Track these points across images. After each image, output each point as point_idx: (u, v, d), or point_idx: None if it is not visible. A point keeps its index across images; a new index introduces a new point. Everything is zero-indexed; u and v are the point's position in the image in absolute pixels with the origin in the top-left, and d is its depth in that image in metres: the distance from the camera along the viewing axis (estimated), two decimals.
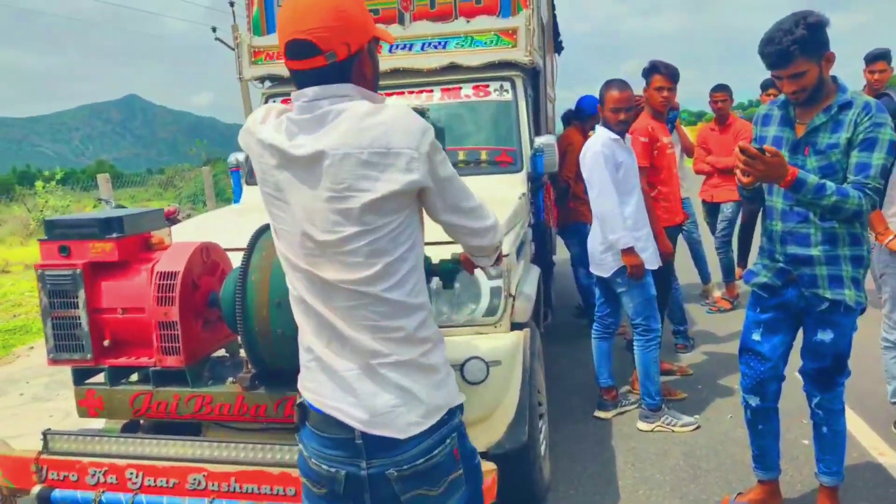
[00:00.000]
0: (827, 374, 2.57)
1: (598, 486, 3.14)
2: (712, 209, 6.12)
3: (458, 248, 1.80)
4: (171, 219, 12.46)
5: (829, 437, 2.62)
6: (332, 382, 1.45)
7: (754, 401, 2.71)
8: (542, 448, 2.97)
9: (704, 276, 6.13)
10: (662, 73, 4.01)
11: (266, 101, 4.16)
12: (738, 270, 5.92)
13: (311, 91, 1.42)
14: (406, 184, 1.37)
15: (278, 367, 2.11)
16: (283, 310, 1.99)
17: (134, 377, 2.41)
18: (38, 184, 21.86)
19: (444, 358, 1.53)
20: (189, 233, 2.91)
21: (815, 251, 2.46)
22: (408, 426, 1.42)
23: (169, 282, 2.17)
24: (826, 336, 2.50)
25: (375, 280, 1.40)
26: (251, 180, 4.02)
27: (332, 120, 1.39)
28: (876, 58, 4.62)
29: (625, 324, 4.33)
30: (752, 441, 2.81)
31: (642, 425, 3.72)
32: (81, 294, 2.21)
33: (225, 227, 3.18)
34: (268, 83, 4.25)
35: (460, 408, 1.56)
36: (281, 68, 4.06)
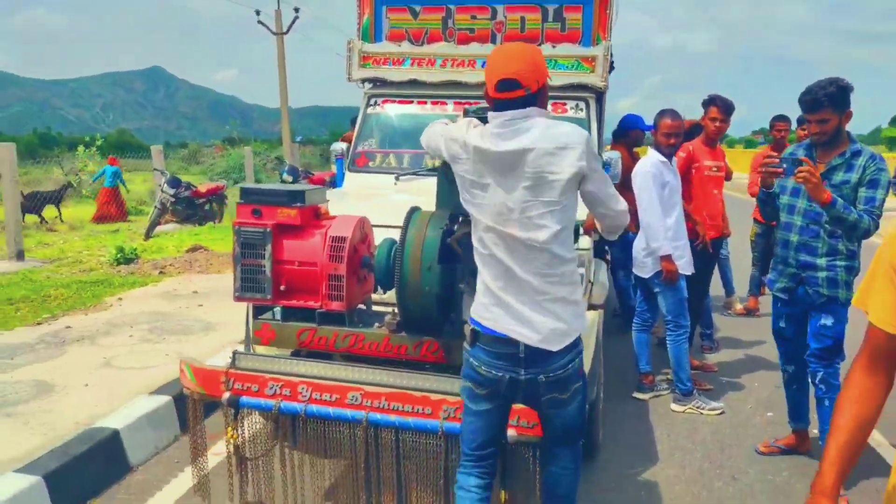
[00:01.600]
0: (829, 353, 3.30)
1: (640, 450, 3.75)
2: (765, 229, 6.48)
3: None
4: (220, 193, 13.06)
5: (829, 408, 3.27)
6: (507, 314, 2.10)
7: (791, 367, 3.60)
8: (600, 409, 3.58)
9: (729, 289, 6.73)
10: (718, 106, 4.65)
11: (368, 100, 4.77)
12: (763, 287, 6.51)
13: (510, 113, 2.08)
14: (577, 169, 2.03)
15: (420, 317, 2.73)
16: (432, 272, 2.63)
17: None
18: (80, 149, 22.63)
19: (581, 295, 2.19)
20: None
21: (820, 261, 3.27)
22: (561, 342, 2.09)
23: (339, 244, 2.79)
24: (827, 321, 3.29)
25: (548, 240, 2.05)
26: (353, 167, 4.62)
27: (525, 131, 2.06)
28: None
29: (658, 324, 4.96)
30: (788, 399, 3.67)
31: (675, 406, 4.33)
32: (268, 248, 2.82)
33: (355, 207, 3.77)
34: (368, 85, 4.84)
35: (580, 336, 2.21)
36: (384, 73, 4.68)
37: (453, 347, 2.74)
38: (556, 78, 4.40)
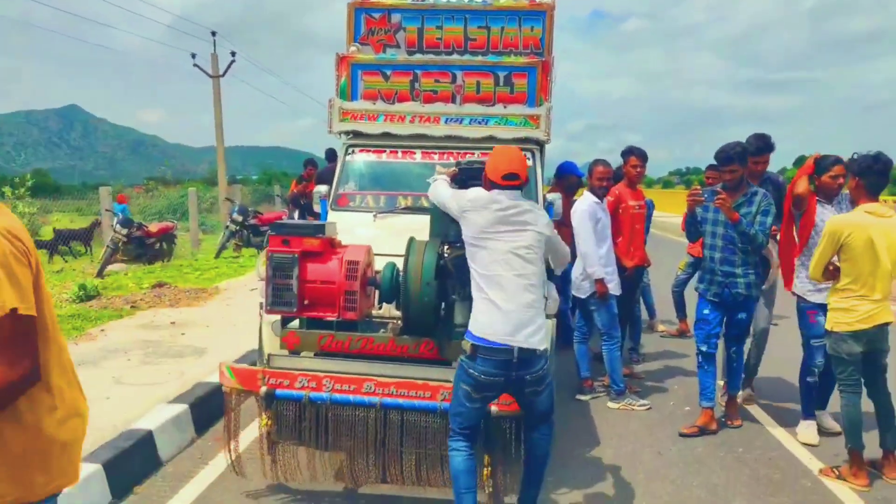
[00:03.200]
0: (741, 336, 4.82)
1: (583, 438, 4.58)
2: (695, 260, 7.22)
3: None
4: (170, 233, 13.45)
5: (737, 370, 4.75)
6: (504, 323, 2.94)
7: (704, 348, 4.67)
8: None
9: (651, 313, 7.74)
10: (637, 155, 5.67)
11: (347, 149, 5.53)
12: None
13: (511, 194, 3.13)
14: (546, 234, 3.03)
15: (420, 322, 3.48)
16: (430, 287, 3.41)
17: (293, 324, 3.73)
18: (7, 189, 22.39)
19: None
20: None
21: (738, 270, 4.50)
22: (542, 345, 2.92)
23: (353, 266, 3.52)
24: (742, 315, 4.70)
25: (535, 270, 2.94)
26: (335, 207, 5.35)
27: (524, 209, 3.04)
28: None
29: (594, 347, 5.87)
30: (700, 381, 4.72)
31: (611, 404, 5.19)
32: (295, 270, 3.54)
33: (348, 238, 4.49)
34: (346, 136, 5.60)
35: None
36: (361, 126, 5.45)
37: (445, 345, 3.51)
38: (508, 132, 5.31)
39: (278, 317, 3.85)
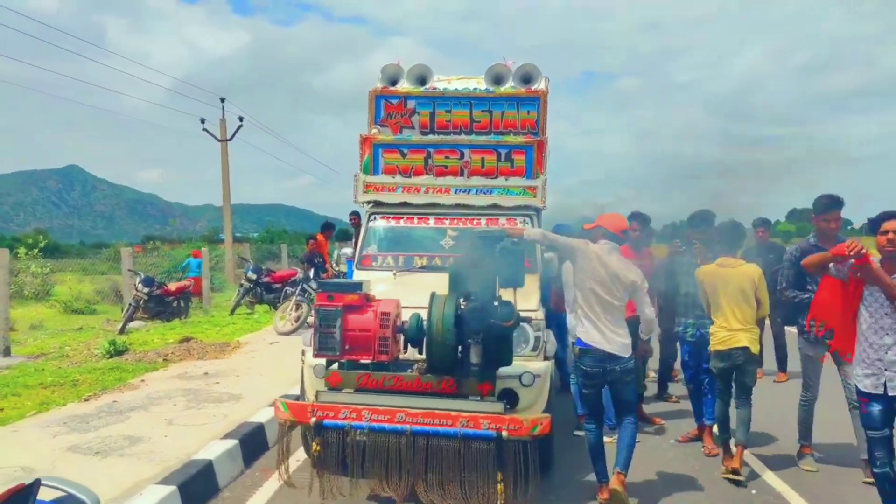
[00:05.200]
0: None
1: (581, 465, 5.24)
2: None
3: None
4: (186, 292, 14.21)
5: (711, 401, 5.53)
6: (599, 334, 4.04)
7: (691, 385, 5.87)
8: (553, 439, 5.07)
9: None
10: (637, 220, 6.45)
11: (370, 217, 6.35)
12: None
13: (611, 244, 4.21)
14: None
15: (442, 363, 4.22)
16: (450, 333, 4.15)
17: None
18: (21, 249, 23.25)
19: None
20: None
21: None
22: (625, 352, 4.05)
23: (386, 317, 4.28)
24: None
25: (621, 305, 3.95)
26: (360, 267, 6.12)
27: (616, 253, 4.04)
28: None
29: None
30: (693, 405, 5.86)
31: (606, 438, 5.86)
32: (339, 321, 4.28)
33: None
34: (369, 205, 6.41)
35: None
36: (382, 196, 6.27)
37: (463, 382, 4.23)
38: (509, 201, 6.14)
39: (319, 361, 4.59)
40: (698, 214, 5.77)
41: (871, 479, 4.41)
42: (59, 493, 2.11)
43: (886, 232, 3.93)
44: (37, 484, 1.88)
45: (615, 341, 4.30)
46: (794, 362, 7.09)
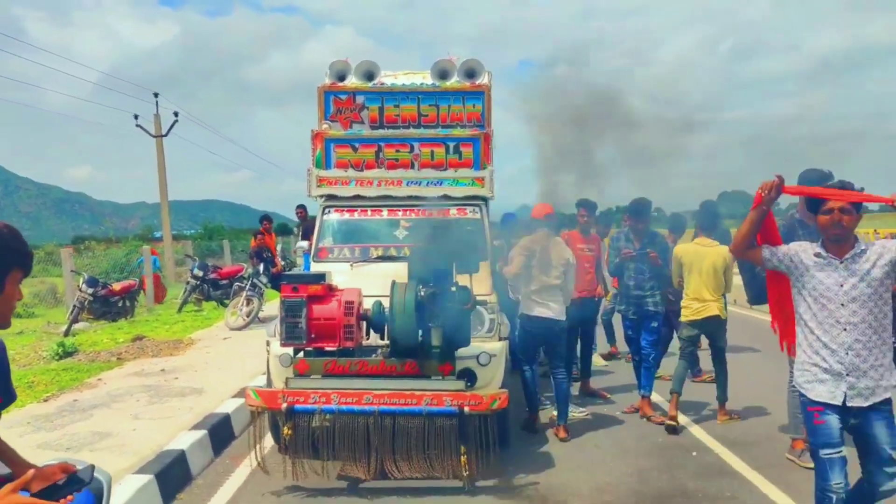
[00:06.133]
0: (655, 343, 5.87)
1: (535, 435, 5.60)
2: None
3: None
4: (132, 291, 14.07)
5: (651, 371, 5.85)
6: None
7: (637, 357, 6.19)
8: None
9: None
10: (586, 208, 6.83)
11: (324, 210, 6.54)
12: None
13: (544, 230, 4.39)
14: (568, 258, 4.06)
15: (404, 346, 4.48)
16: (411, 318, 4.41)
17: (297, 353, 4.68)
18: None
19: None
20: None
21: (647, 293, 5.77)
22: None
23: (350, 305, 4.52)
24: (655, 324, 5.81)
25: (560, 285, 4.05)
26: (316, 259, 6.31)
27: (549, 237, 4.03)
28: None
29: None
30: (637, 377, 6.27)
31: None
32: (304, 311, 4.49)
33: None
34: (322, 199, 6.60)
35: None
36: (335, 190, 6.47)
37: (425, 363, 4.51)
38: (459, 191, 6.42)
39: (285, 350, 4.79)
40: (636, 203, 6.21)
41: (794, 457, 4.92)
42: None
43: (832, 210, 3.17)
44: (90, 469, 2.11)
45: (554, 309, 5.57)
46: (758, 341, 7.74)
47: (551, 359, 5.97)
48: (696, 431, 5.76)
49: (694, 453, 5.25)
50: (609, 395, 6.88)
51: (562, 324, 5.70)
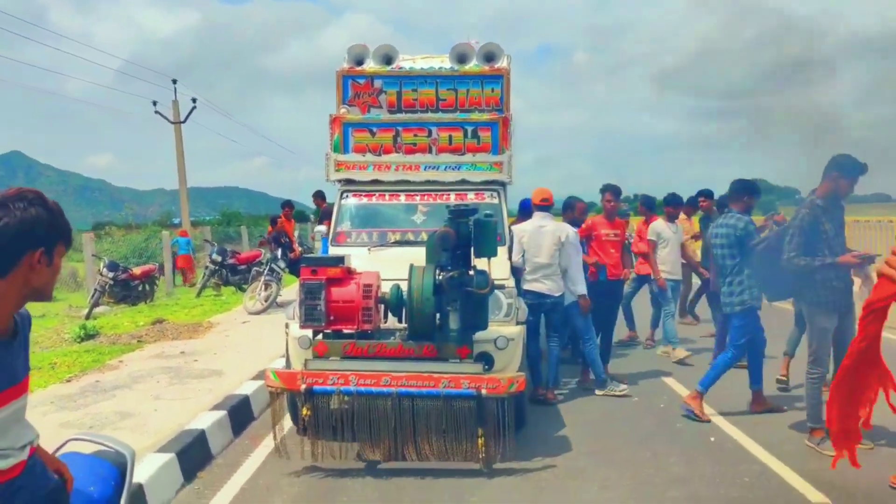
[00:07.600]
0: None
1: (579, 410, 5.61)
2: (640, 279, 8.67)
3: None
4: (151, 275, 14.22)
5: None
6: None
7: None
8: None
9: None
10: (611, 192, 6.79)
11: (342, 194, 6.55)
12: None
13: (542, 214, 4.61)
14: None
15: (422, 329, 4.50)
16: (429, 301, 4.43)
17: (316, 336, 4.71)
18: None
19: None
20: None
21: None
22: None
23: (368, 288, 4.53)
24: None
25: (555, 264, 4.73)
26: (335, 243, 6.33)
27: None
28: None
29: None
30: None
31: (598, 391, 6.28)
32: (323, 293, 4.52)
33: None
34: (340, 183, 6.61)
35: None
36: (353, 174, 6.48)
37: (443, 346, 4.52)
38: (477, 176, 6.40)
39: (304, 332, 4.82)
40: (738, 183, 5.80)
41: (814, 444, 4.84)
42: (96, 447, 2.32)
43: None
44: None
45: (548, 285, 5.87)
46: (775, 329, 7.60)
47: (546, 328, 6.23)
48: (715, 417, 5.73)
49: (712, 438, 5.23)
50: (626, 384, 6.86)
51: (556, 298, 5.99)
